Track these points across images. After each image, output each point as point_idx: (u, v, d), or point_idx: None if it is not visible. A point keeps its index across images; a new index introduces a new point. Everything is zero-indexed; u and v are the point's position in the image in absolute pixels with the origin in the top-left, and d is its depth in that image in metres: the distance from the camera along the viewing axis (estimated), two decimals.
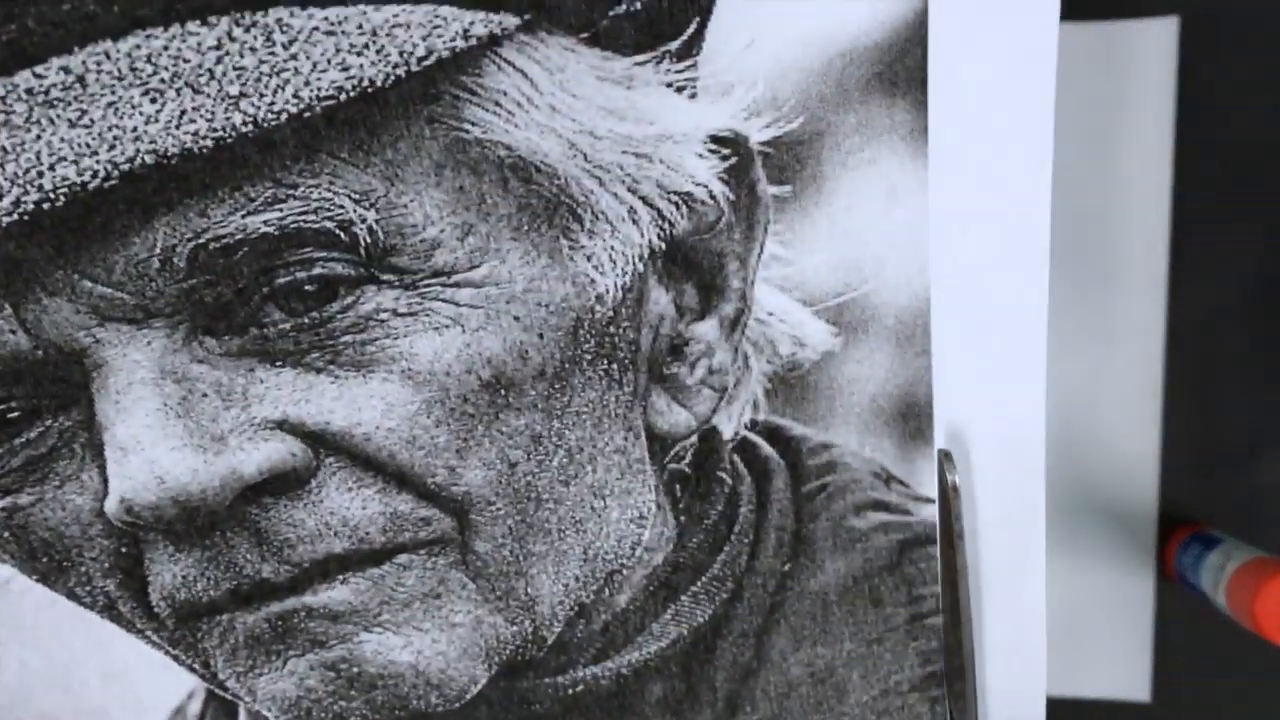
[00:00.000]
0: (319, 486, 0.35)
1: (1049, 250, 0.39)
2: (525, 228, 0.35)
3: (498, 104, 0.34)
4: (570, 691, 0.40)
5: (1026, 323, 0.40)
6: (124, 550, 0.36)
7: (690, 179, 0.37)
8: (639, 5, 0.36)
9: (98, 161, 0.31)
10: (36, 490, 0.35)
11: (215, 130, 0.32)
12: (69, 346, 0.33)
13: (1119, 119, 0.51)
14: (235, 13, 0.32)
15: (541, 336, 0.35)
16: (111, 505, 0.34)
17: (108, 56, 0.32)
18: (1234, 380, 0.52)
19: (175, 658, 0.38)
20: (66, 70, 0.32)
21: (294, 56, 0.32)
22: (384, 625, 0.36)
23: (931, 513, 0.42)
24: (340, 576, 0.36)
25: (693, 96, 0.38)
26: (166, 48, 0.32)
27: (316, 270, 0.33)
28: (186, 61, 0.32)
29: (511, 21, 0.34)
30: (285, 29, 0.32)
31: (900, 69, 0.39)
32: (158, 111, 0.32)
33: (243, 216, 0.33)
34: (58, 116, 0.32)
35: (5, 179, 0.32)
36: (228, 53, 0.32)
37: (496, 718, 0.40)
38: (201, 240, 0.33)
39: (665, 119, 0.36)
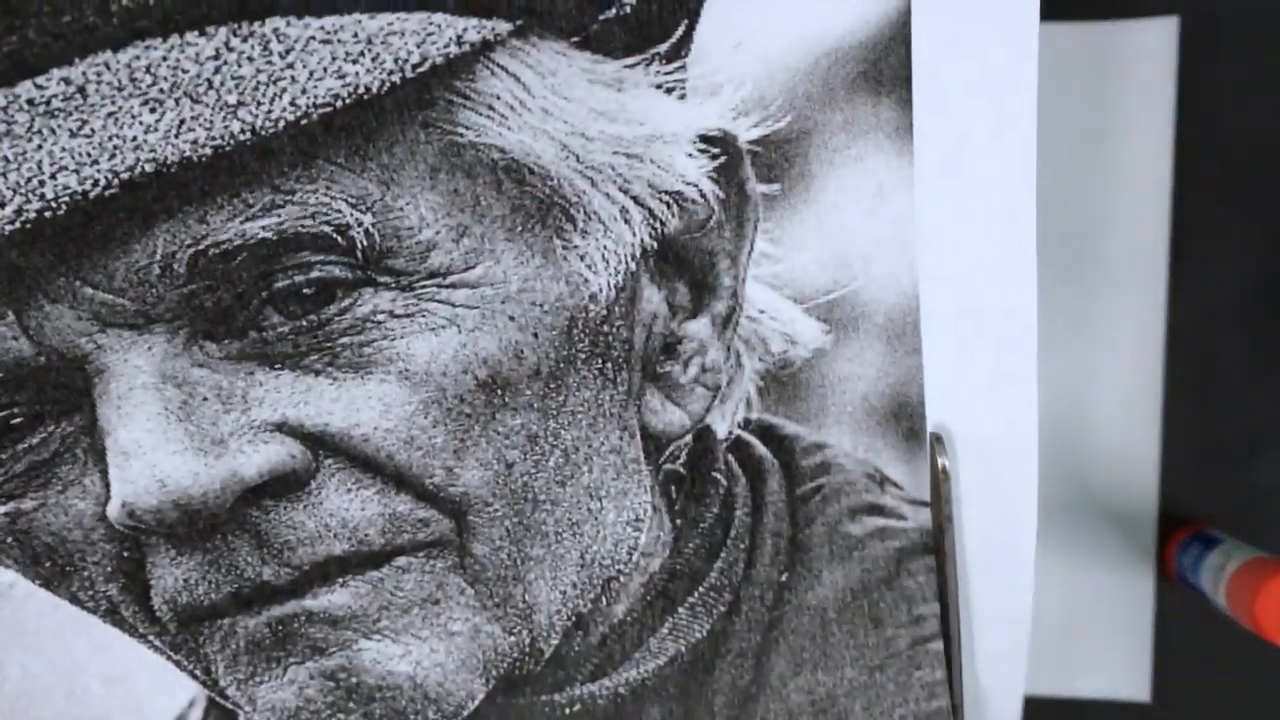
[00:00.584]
0: (318, 488, 0.35)
1: (1035, 246, 0.39)
2: (519, 228, 0.36)
3: (491, 108, 0.35)
4: (567, 711, 0.40)
5: (1015, 319, 0.40)
6: (126, 554, 0.36)
7: (681, 178, 0.37)
8: (628, 9, 0.36)
9: (98, 170, 0.32)
10: (39, 495, 0.36)
11: (214, 138, 0.32)
12: (71, 352, 0.34)
13: (1119, 119, 0.51)
14: (233, 23, 0.33)
15: (536, 336, 0.36)
16: (113, 509, 0.34)
17: (107, 67, 0.32)
18: (1234, 380, 0.52)
19: (177, 663, 0.38)
20: (67, 81, 0.32)
21: (291, 65, 0.32)
22: (383, 632, 0.36)
23: (926, 518, 0.41)
24: (340, 579, 0.36)
25: (682, 97, 0.38)
26: (165, 58, 0.32)
27: (314, 274, 0.33)
28: (185, 71, 0.32)
29: (504, 27, 0.35)
30: (282, 38, 0.33)
31: (885, 67, 0.39)
32: (157, 121, 0.32)
33: (241, 222, 0.33)
34: (59, 126, 0.32)
35: (7, 188, 0.32)
36: (226, 62, 0.32)
37: None
38: (201, 246, 0.33)
39: (655, 120, 0.37)
